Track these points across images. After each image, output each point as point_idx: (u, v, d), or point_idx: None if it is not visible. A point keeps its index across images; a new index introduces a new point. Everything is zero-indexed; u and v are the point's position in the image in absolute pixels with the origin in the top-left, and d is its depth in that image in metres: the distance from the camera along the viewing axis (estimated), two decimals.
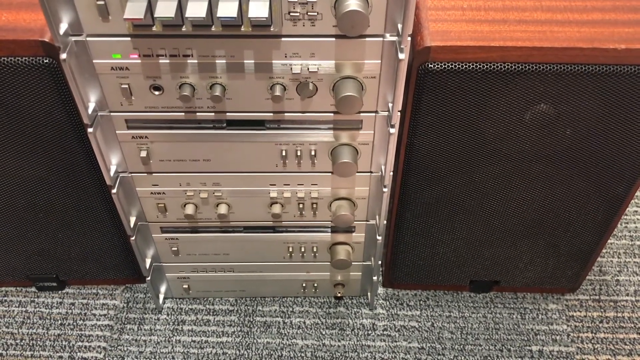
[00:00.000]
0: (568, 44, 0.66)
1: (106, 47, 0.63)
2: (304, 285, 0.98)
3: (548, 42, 0.66)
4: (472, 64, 0.66)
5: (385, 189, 0.77)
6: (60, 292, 1.03)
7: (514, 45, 0.66)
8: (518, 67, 0.67)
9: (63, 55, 0.61)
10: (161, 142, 0.74)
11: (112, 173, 0.76)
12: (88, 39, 0.63)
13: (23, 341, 0.97)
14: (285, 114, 0.71)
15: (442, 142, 0.75)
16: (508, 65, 0.67)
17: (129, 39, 0.63)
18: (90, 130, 0.69)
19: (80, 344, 0.96)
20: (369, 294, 1.00)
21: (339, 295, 0.99)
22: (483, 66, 0.66)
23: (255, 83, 0.67)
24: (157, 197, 0.81)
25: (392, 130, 0.70)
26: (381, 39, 0.63)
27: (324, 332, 0.97)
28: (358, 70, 0.66)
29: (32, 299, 1.02)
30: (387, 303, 1.01)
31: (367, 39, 0.63)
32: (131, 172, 0.78)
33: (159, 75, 0.66)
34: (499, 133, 0.74)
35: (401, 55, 0.62)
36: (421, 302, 1.01)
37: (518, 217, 0.86)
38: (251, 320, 0.99)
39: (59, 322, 0.99)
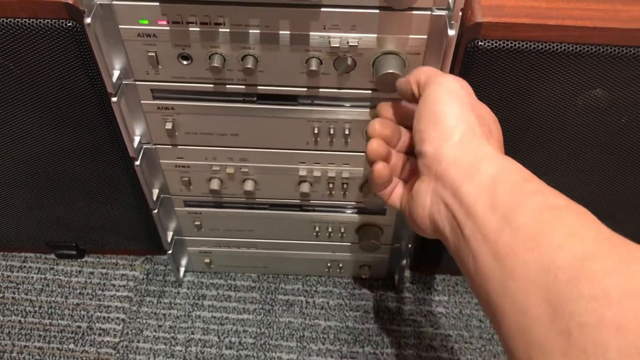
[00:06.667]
0: (634, 24, 0.60)
1: (133, 12, 0.59)
2: (328, 265, 0.95)
3: (611, 22, 0.60)
4: (526, 43, 0.61)
5: None
6: (79, 260, 1.01)
7: (574, 25, 0.60)
8: (576, 48, 0.61)
9: (87, 20, 0.57)
10: (188, 114, 0.70)
11: (135, 144, 0.72)
12: (114, 2, 0.59)
13: (42, 309, 0.95)
14: (320, 90, 0.67)
15: None
16: (565, 46, 0.61)
17: (157, 4, 0.58)
18: (114, 99, 0.65)
19: (98, 314, 0.94)
20: (395, 277, 0.96)
21: (364, 277, 0.96)
22: (538, 46, 0.61)
23: (289, 56, 0.63)
24: (182, 170, 0.78)
25: None
26: (429, 12, 0.58)
27: (347, 314, 0.95)
28: (401, 45, 0.61)
29: (51, 266, 1.00)
30: (414, 287, 0.98)
31: (414, 12, 0.58)
32: (155, 144, 0.74)
33: (188, 43, 0.62)
34: (549, 117, 0.69)
35: (451, 32, 0.57)
36: (449, 287, 0.98)
37: None
38: (273, 298, 0.96)
39: (78, 291, 0.97)
